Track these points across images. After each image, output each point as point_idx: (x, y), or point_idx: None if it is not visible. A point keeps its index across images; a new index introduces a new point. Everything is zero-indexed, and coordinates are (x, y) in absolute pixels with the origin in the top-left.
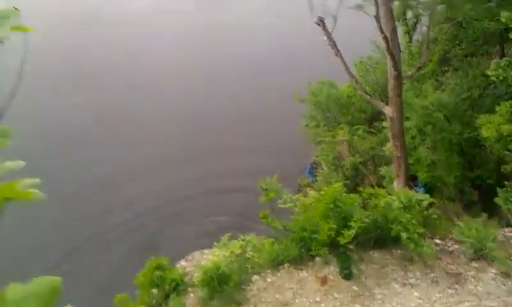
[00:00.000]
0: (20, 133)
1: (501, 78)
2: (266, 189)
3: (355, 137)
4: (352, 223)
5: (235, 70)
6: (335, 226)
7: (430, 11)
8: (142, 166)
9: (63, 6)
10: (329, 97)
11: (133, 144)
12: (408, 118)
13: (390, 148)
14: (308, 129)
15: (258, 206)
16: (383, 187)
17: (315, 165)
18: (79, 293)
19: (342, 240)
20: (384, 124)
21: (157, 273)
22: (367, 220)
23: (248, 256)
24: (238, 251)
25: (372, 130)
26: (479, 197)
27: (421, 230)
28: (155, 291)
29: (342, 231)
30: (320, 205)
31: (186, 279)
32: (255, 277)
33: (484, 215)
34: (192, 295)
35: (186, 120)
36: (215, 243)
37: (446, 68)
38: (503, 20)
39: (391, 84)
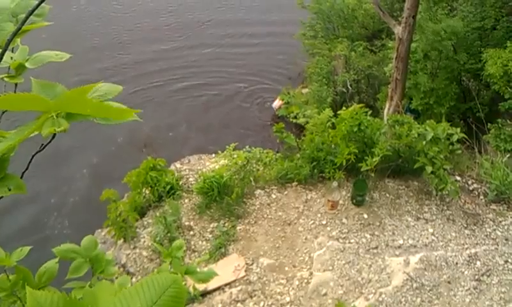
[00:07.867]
0: None
1: None
2: (288, 102)
3: (353, 53)
4: (376, 150)
5: None
6: (356, 151)
7: None
8: None
9: None
10: (332, 7)
11: None
12: (414, 41)
13: (390, 68)
14: (304, 38)
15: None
16: (370, 107)
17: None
18: None
19: (364, 167)
20: (386, 43)
21: (152, 174)
22: (389, 148)
23: (252, 168)
24: (241, 162)
25: (372, 48)
26: (465, 130)
27: (448, 166)
28: (146, 192)
29: (365, 157)
30: (343, 126)
31: (181, 182)
32: (259, 191)
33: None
34: (186, 200)
35: None
36: (219, 151)
37: None
38: None
39: (408, 2)
